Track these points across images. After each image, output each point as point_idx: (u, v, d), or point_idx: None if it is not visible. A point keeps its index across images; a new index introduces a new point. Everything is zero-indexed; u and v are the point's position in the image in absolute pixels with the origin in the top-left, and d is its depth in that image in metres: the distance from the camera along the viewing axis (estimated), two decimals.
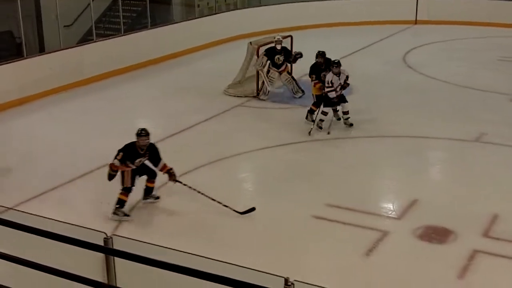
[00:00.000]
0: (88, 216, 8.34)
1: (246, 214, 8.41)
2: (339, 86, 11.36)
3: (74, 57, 14.87)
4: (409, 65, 16.46)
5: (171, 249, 4.72)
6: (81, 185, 9.62)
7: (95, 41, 15.70)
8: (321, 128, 11.60)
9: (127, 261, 4.18)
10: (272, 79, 13.53)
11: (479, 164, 10.29)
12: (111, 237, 4.58)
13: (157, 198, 8.99)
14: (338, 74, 11.32)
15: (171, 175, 8.65)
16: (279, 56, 13.38)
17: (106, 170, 8.45)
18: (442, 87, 14.49)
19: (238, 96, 13.76)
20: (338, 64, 11.32)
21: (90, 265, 4.67)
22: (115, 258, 4.62)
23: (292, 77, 13.72)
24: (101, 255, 4.66)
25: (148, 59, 16.64)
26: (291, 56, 13.52)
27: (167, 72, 16.21)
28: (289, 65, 13.65)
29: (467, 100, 13.53)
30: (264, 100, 13.51)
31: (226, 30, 19.19)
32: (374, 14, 21.44)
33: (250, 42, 14.64)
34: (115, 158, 8.27)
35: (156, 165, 8.60)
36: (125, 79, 15.47)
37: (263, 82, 13.57)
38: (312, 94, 12.14)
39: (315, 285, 3.80)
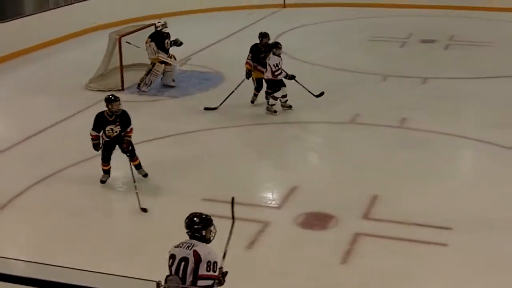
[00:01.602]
0: None
1: None
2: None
3: None
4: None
5: (30, 262, 4.49)
6: None
7: None
8: (275, 112, 11.88)
9: None
10: (157, 72, 13.33)
11: (355, 146, 10.62)
12: None
13: (145, 175, 9.39)
14: (279, 55, 11.55)
15: (126, 143, 9.03)
16: (168, 40, 13.30)
17: None
18: (315, 70, 14.82)
19: (101, 91, 13.37)
20: (280, 45, 11.63)
21: None
22: None
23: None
24: None
25: (0, 56, 15.87)
26: (176, 41, 13.54)
27: (21, 69, 15.52)
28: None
29: (340, 82, 13.91)
30: (145, 91, 13.31)
31: (84, 21, 18.63)
32: None
33: (112, 33, 14.30)
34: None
35: (124, 131, 9.00)
36: None
37: (148, 72, 13.32)
38: (252, 78, 12.23)
39: (185, 287, 3.73)
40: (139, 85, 13.45)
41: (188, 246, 5.32)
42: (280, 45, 11.73)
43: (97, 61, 14.20)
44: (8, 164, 10.19)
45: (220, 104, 11.92)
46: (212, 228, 5.52)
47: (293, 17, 20.73)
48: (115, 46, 13.72)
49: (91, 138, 9.12)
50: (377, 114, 11.83)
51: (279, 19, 20.70)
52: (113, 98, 8.98)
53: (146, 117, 11.99)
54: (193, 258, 5.20)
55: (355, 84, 13.77)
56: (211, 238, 5.50)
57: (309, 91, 11.85)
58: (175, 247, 5.37)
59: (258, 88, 12.29)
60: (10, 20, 16.92)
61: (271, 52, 11.67)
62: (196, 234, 5.44)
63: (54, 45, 17.47)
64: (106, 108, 8.96)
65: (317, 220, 8.13)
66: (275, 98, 11.87)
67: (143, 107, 12.59)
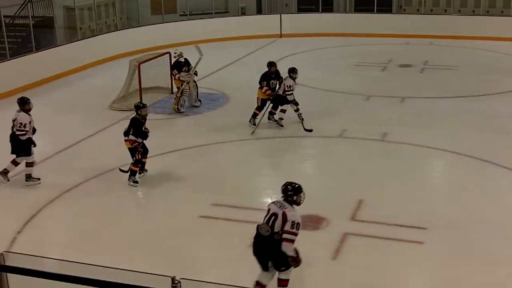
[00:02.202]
0: None
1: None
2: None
3: None
4: None
5: (63, 260, 4.45)
6: None
7: None
8: (282, 126, 11.94)
9: (21, 276, 3.92)
10: (186, 91, 13.24)
11: (343, 157, 10.60)
12: (3, 254, 4.26)
13: (146, 170, 9.71)
14: (295, 79, 11.57)
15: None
16: (186, 67, 13.26)
17: None
18: (307, 92, 14.77)
19: (123, 110, 13.38)
20: (296, 70, 11.65)
21: None
22: (8, 274, 4.30)
23: (196, 85, 13.59)
24: None
25: (35, 81, 15.86)
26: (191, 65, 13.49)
27: (54, 92, 15.53)
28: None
29: (329, 102, 13.91)
30: (183, 111, 13.16)
31: (108, 50, 18.72)
32: (243, 29, 21.66)
33: (132, 60, 14.31)
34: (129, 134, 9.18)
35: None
36: (13, 101, 14.55)
37: (181, 94, 13.21)
38: (257, 98, 12.06)
39: (200, 281, 3.69)
40: (178, 109, 13.24)
41: (280, 207, 6.07)
42: (296, 70, 11.69)
43: (119, 84, 14.20)
44: (43, 174, 10.14)
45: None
46: (301, 194, 6.13)
47: (289, 45, 20.77)
48: (135, 72, 13.72)
49: (131, 143, 9.28)
50: (362, 129, 11.80)
51: (276, 47, 20.73)
52: (141, 105, 9.41)
53: (161, 133, 11.97)
54: (281, 217, 5.96)
55: (342, 103, 13.75)
56: (301, 202, 6.14)
57: (302, 123, 11.76)
58: (272, 202, 6.23)
59: (260, 108, 12.16)
60: (44, 50, 16.99)
61: (288, 75, 11.64)
62: (289, 198, 6.10)
63: (82, 71, 17.49)
64: (136, 114, 9.31)
65: (310, 222, 8.08)
66: (284, 111, 11.86)
67: (160, 124, 12.54)
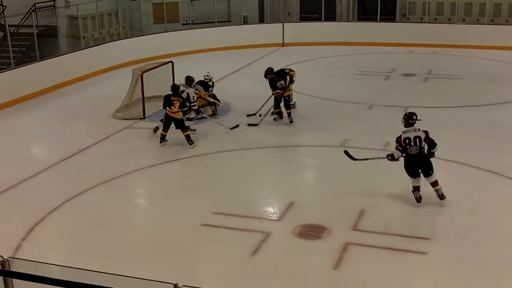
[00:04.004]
0: None
1: None
2: None
3: None
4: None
5: (67, 266, 4.55)
6: None
7: None
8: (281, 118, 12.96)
9: (26, 282, 4.01)
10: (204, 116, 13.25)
11: (344, 166, 10.59)
12: (8, 260, 4.36)
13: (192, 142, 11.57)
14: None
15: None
16: (211, 88, 13.62)
17: None
18: (309, 101, 14.90)
19: (126, 119, 13.51)
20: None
21: None
22: (14, 280, 4.39)
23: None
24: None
25: (39, 90, 16.03)
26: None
27: (58, 101, 15.67)
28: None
29: (331, 111, 13.99)
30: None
31: (111, 59, 18.86)
32: (246, 38, 21.80)
33: (135, 69, 14.42)
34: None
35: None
36: (18, 109, 14.81)
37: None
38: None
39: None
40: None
41: (415, 130, 8.72)
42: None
43: (122, 93, 14.32)
44: (46, 182, 10.27)
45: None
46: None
47: (290, 54, 20.88)
48: (138, 81, 13.84)
49: (183, 112, 11.56)
50: (364, 138, 11.87)
51: (278, 56, 20.85)
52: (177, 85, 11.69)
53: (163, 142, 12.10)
54: (423, 134, 8.65)
55: (344, 112, 13.83)
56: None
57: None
58: (404, 132, 8.76)
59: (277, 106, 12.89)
60: (48, 59, 17.15)
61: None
62: (412, 121, 8.82)
63: (85, 80, 17.62)
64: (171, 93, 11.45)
65: (312, 231, 8.15)
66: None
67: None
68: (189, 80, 12.74)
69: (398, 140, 8.81)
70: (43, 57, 17.22)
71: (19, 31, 18.60)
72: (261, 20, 24.40)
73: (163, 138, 11.71)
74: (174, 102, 11.54)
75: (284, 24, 23.02)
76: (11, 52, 16.28)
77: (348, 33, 22.27)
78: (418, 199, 8.88)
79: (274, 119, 13.01)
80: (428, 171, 8.74)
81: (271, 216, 8.76)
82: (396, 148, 8.82)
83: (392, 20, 23.44)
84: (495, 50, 20.22)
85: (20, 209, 9.11)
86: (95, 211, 9.04)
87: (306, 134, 12.25)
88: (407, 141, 8.64)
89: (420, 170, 8.77)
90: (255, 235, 8.04)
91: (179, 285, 3.75)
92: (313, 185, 10.41)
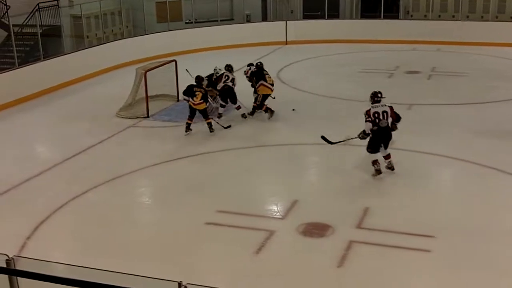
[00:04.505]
0: None
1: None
2: None
3: None
4: (283, 81, 16.82)
5: (71, 265, 4.57)
6: None
7: None
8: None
9: (31, 280, 4.04)
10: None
11: (348, 164, 10.65)
12: (13, 259, 4.39)
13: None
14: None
15: None
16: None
17: None
18: (312, 99, 14.91)
19: (129, 118, 13.54)
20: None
21: None
22: (19, 278, 4.42)
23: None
24: (4, 277, 4.44)
25: (43, 89, 16.09)
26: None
27: (62, 100, 15.72)
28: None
29: (334, 109, 14.00)
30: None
31: (114, 58, 18.91)
32: (249, 37, 21.81)
33: (138, 68, 14.46)
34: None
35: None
36: (21, 108, 14.86)
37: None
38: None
39: (206, 286, 3.79)
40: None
41: (382, 105, 9.64)
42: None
43: (126, 92, 14.35)
44: (50, 181, 10.31)
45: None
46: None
47: (294, 52, 20.88)
48: (141, 80, 13.87)
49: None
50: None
51: (281, 54, 20.86)
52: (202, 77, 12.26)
53: (167, 140, 12.15)
54: (389, 109, 9.60)
55: (347, 110, 13.82)
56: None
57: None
58: (373, 107, 9.69)
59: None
60: (52, 58, 17.19)
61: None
62: (377, 99, 9.76)
63: (89, 79, 17.68)
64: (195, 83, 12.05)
65: (316, 229, 8.17)
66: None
67: (166, 132, 12.69)
68: (230, 67, 13.36)
69: (367, 113, 9.69)
70: (47, 56, 17.26)
71: (23, 30, 18.64)
72: (264, 18, 24.39)
73: (188, 127, 12.19)
74: (197, 93, 11.90)
75: (287, 22, 23.02)
76: (15, 51, 16.33)
77: (351, 31, 22.27)
78: (379, 171, 9.81)
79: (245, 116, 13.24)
80: (388, 143, 9.79)
81: (275, 215, 8.77)
82: (366, 121, 9.65)
83: (396, 17, 23.42)
84: (499, 47, 20.17)
85: (25, 208, 9.14)
86: (99, 210, 9.07)
87: (310, 132, 12.23)
88: (376, 115, 9.59)
89: (382, 145, 9.74)
90: (259, 234, 8.05)
91: (183, 283, 3.77)
92: (317, 183, 10.42)
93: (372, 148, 9.77)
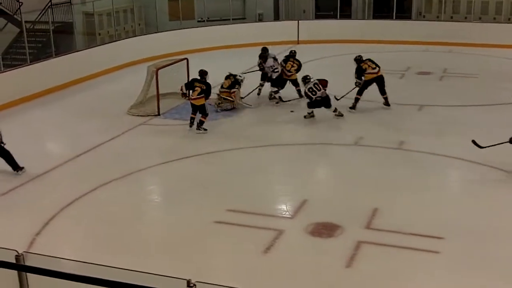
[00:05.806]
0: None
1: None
2: None
3: None
4: None
5: (80, 261, 4.59)
6: None
7: (2, 72, 15.19)
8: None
9: (40, 276, 4.06)
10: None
11: (358, 164, 10.64)
12: (22, 255, 4.41)
13: (205, 130, 12.12)
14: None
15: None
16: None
17: None
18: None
19: (140, 116, 13.58)
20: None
21: (4, 282, 4.47)
22: (28, 274, 4.45)
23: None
24: (14, 272, 4.47)
25: (54, 86, 16.16)
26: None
27: (73, 97, 15.79)
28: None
29: (346, 109, 13.93)
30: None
31: (126, 56, 18.97)
32: (261, 36, 21.75)
33: (150, 66, 14.50)
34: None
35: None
36: (33, 105, 14.94)
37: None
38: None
39: (215, 284, 3.80)
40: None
41: (312, 82, 12.36)
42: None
43: (137, 90, 14.39)
44: (60, 178, 10.36)
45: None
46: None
47: (305, 52, 20.77)
48: (153, 78, 13.90)
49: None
50: (378, 137, 11.85)
51: None
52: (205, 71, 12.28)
53: (178, 138, 12.17)
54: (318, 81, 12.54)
55: (358, 111, 13.79)
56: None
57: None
58: (306, 87, 12.51)
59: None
60: (63, 55, 17.27)
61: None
62: (307, 80, 12.55)
63: (101, 77, 17.74)
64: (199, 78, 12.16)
65: (325, 229, 8.16)
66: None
67: (176, 130, 12.71)
68: (266, 51, 14.73)
69: (305, 93, 12.58)
70: (58, 53, 17.34)
71: (35, 27, 18.73)
72: (276, 18, 24.38)
73: (191, 122, 12.31)
74: (196, 87, 11.93)
75: (299, 21, 23.01)
76: (27, 48, 16.41)
77: (363, 31, 22.22)
78: (311, 115, 12.54)
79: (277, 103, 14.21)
80: (329, 104, 12.69)
81: (284, 214, 8.77)
82: (307, 97, 12.65)
83: (408, 18, 23.34)
84: (511, 49, 20.05)
85: (35, 204, 9.20)
86: (109, 207, 9.10)
87: (320, 132, 12.24)
88: (311, 90, 12.31)
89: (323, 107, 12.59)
90: (268, 233, 8.06)
91: (192, 281, 3.78)
92: (326, 183, 10.41)
93: (311, 107, 12.67)
